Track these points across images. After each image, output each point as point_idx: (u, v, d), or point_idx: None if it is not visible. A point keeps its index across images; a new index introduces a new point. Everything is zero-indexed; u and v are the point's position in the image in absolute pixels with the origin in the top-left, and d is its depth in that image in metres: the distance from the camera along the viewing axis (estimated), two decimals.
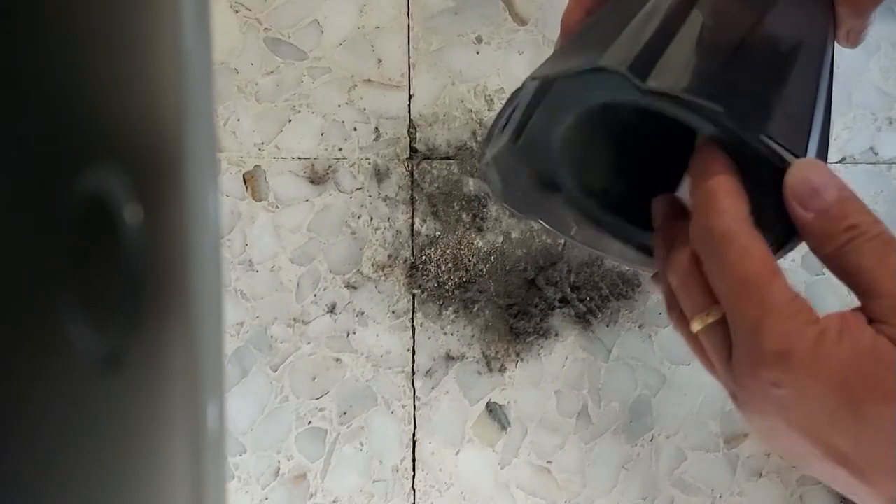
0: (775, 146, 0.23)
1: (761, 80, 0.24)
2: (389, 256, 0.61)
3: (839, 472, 0.21)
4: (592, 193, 0.31)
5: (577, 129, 0.29)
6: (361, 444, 0.61)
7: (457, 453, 0.61)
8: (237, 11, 0.61)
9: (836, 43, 0.28)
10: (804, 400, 0.21)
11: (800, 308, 0.22)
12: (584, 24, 0.29)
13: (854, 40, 0.28)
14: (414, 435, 0.61)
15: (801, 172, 0.23)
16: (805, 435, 0.22)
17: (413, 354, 0.61)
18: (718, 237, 0.23)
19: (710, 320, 0.24)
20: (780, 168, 0.24)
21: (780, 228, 0.25)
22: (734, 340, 0.23)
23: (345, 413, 0.61)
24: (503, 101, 0.64)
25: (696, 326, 0.25)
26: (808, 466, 0.23)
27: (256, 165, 0.61)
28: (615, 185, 0.32)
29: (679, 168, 0.30)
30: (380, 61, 0.61)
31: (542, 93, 0.27)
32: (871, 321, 0.22)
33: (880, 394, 0.20)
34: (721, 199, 0.23)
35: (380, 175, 0.60)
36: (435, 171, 0.60)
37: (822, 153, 0.25)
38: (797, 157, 0.23)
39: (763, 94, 0.24)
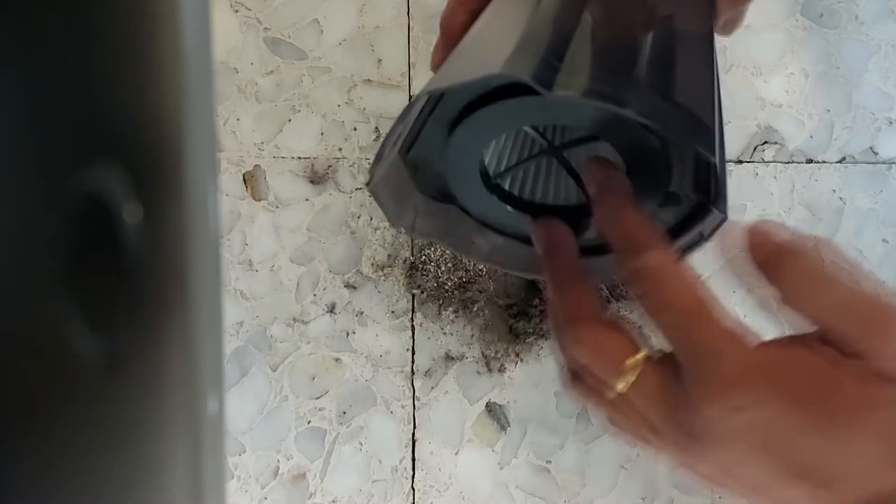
0: (702, 151, 0.23)
1: (662, 75, 0.24)
2: (389, 256, 0.61)
3: (799, 490, 0.21)
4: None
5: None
6: (361, 444, 0.61)
7: (456, 453, 0.61)
8: (237, 11, 0.61)
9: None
10: (766, 414, 0.21)
11: (745, 330, 0.22)
12: (470, 30, 0.28)
13: (730, 30, 0.29)
14: (413, 435, 0.61)
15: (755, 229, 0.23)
16: (769, 454, 0.21)
17: (413, 354, 0.61)
18: (654, 273, 0.23)
19: (638, 368, 0.23)
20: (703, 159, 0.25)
21: (689, 203, 0.27)
22: (686, 372, 0.22)
23: (344, 413, 0.61)
24: None
25: (620, 385, 0.24)
26: (764, 494, 0.23)
27: (256, 165, 0.61)
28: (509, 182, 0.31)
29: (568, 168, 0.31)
30: (380, 61, 0.61)
31: (433, 104, 0.26)
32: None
33: (839, 399, 0.20)
34: (646, 236, 0.24)
35: None
36: None
37: (721, 139, 0.25)
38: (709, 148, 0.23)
39: (664, 87, 0.23)
